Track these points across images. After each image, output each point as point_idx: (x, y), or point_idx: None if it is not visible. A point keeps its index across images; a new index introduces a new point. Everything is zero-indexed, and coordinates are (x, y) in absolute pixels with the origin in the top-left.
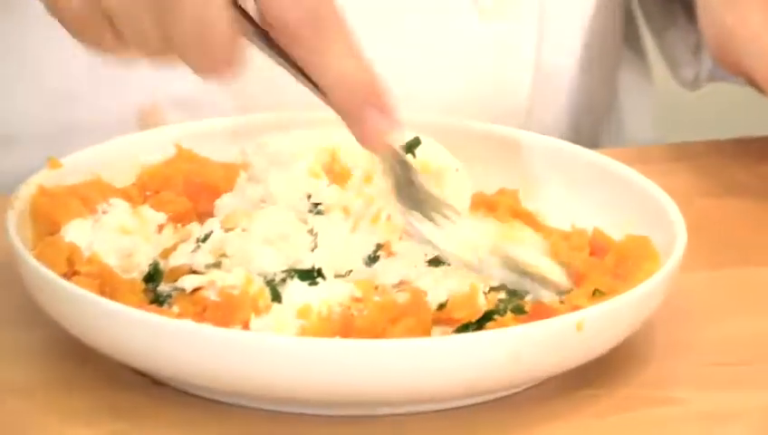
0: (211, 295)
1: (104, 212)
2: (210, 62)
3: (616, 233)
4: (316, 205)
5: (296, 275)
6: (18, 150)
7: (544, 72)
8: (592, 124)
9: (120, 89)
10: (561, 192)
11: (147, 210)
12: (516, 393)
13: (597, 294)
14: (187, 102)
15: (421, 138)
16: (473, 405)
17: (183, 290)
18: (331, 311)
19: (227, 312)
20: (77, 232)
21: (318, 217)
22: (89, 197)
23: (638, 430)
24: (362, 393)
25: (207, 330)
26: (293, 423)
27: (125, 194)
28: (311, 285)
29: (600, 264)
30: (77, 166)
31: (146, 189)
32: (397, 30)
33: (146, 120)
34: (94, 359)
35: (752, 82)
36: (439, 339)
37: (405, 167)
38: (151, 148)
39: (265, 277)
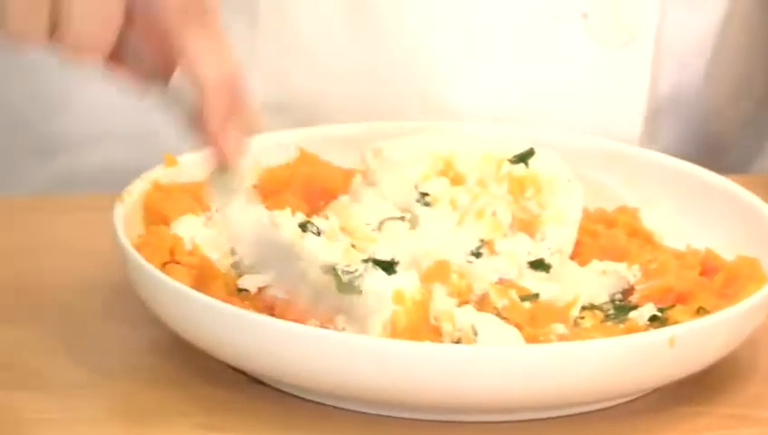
0: (278, 294)
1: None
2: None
3: (731, 254)
4: (424, 195)
5: (374, 265)
6: (105, 148)
7: (660, 97)
8: (716, 154)
9: None
10: (679, 211)
11: (261, 211)
12: (617, 406)
13: (701, 312)
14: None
15: (537, 149)
16: (571, 416)
17: (246, 290)
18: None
19: (298, 309)
20: (186, 227)
21: (425, 208)
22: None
23: None
24: (454, 398)
25: (302, 329)
26: (388, 427)
27: None
28: (390, 274)
29: (708, 283)
30: (195, 164)
31: (266, 190)
32: (505, 53)
33: None
34: (192, 355)
35: None
36: (531, 347)
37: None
38: (270, 150)
39: (327, 270)
